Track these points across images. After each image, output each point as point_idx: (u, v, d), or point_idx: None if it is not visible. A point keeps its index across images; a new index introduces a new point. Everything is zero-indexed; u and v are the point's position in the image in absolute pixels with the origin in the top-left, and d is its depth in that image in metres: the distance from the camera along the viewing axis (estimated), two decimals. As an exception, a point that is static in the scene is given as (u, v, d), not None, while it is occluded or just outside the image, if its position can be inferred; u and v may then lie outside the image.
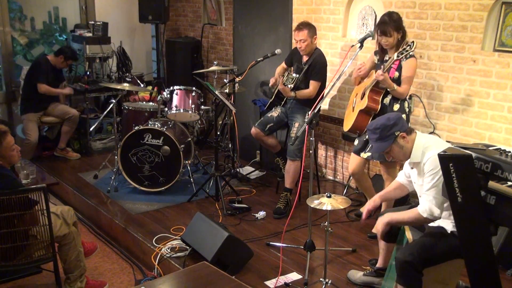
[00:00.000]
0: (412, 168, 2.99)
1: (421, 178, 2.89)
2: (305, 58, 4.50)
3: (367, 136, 3.91)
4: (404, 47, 3.59)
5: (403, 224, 2.95)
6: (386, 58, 3.88)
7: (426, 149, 2.84)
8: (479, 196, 2.30)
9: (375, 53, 4.00)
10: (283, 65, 4.74)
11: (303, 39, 4.35)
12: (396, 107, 3.83)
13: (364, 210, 3.18)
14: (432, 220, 2.83)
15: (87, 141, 6.14)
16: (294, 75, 4.46)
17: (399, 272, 2.74)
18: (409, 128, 2.92)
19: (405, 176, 3.12)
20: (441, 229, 2.87)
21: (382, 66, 3.75)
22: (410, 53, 3.62)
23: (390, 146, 2.88)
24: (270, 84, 4.66)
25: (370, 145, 3.86)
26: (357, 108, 3.93)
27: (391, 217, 2.94)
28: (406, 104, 3.86)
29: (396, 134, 2.85)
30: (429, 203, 2.78)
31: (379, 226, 2.97)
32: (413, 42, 3.58)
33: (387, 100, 3.83)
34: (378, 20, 3.93)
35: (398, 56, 3.60)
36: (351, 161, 4.09)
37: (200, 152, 5.81)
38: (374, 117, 3.80)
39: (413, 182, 3.03)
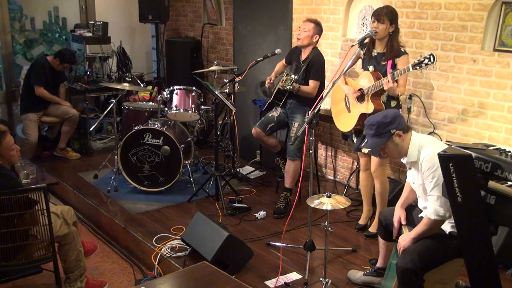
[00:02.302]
0: (410, 168, 2.99)
1: (419, 177, 2.89)
2: (303, 56, 4.50)
3: (364, 132, 3.93)
4: (423, 60, 3.34)
5: (426, 235, 2.83)
6: (375, 53, 3.85)
7: (422, 148, 2.84)
8: (479, 196, 2.30)
9: (362, 46, 3.85)
10: (283, 62, 4.75)
11: (306, 28, 4.38)
12: (393, 103, 3.83)
13: (396, 225, 3.06)
14: (444, 221, 2.80)
15: (87, 141, 6.14)
16: (293, 76, 4.45)
17: (400, 279, 2.74)
18: (406, 126, 2.92)
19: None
20: (440, 231, 2.86)
21: (388, 73, 3.62)
22: (427, 63, 3.34)
23: (385, 143, 2.89)
24: (266, 85, 4.67)
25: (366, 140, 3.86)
26: (357, 110, 3.89)
27: (414, 234, 2.85)
28: (400, 100, 3.87)
29: (392, 132, 2.86)
30: (433, 204, 2.75)
31: (404, 244, 2.85)
32: (432, 55, 3.29)
33: (383, 98, 3.82)
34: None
35: (415, 68, 3.40)
36: (361, 159, 4.10)
37: (200, 152, 5.81)
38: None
39: (411, 183, 3.04)
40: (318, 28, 4.43)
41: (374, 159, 3.89)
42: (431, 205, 2.77)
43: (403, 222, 3.04)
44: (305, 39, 4.41)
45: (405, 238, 2.87)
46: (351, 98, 3.96)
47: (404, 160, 3.00)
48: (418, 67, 3.39)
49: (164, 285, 2.55)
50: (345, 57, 3.91)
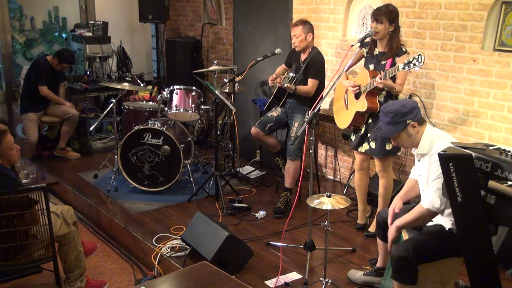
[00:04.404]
0: (419, 160, 2.99)
1: (426, 170, 2.89)
2: (302, 57, 4.51)
3: (362, 132, 3.93)
4: (411, 60, 3.37)
5: (413, 224, 2.90)
6: (376, 52, 3.85)
7: (434, 141, 2.85)
8: (479, 196, 2.30)
9: (365, 45, 3.92)
10: (283, 66, 4.76)
11: (296, 34, 4.40)
12: None
13: (390, 213, 3.06)
14: (435, 214, 2.81)
15: (87, 140, 6.14)
16: (291, 74, 4.49)
17: (394, 267, 2.75)
18: (422, 119, 2.91)
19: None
20: (439, 227, 2.86)
21: (381, 72, 3.64)
22: (415, 63, 3.36)
23: (399, 132, 2.89)
24: (269, 83, 4.68)
25: (370, 139, 3.86)
26: (353, 108, 3.90)
27: (400, 222, 2.90)
28: (399, 99, 3.87)
29: (408, 122, 2.86)
30: (431, 194, 2.75)
31: (390, 234, 2.92)
32: (420, 55, 3.31)
33: (381, 97, 3.82)
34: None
35: (404, 68, 3.42)
36: (356, 157, 4.10)
37: (200, 152, 5.81)
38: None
39: (418, 176, 3.03)
40: (307, 27, 4.42)
41: (378, 161, 3.89)
42: (429, 195, 2.77)
43: (397, 211, 3.05)
44: (301, 43, 4.42)
45: (390, 230, 2.91)
46: (350, 95, 3.96)
47: (414, 151, 3.00)
48: (407, 67, 3.40)
49: (164, 285, 2.55)
50: (345, 57, 3.91)
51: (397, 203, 3.09)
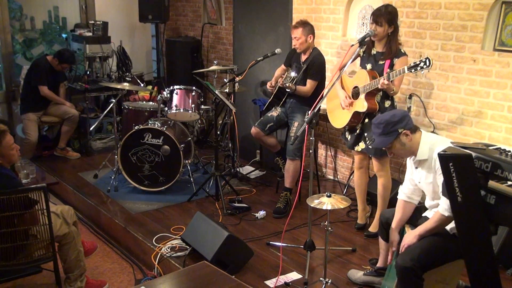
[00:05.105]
0: (416, 167, 2.98)
1: (430, 176, 2.88)
2: (303, 58, 4.51)
3: (358, 131, 3.93)
4: (419, 63, 3.35)
5: (434, 231, 2.83)
6: (374, 52, 3.84)
7: (434, 146, 2.84)
8: (479, 196, 2.29)
9: (362, 44, 3.84)
10: (283, 66, 4.75)
11: (297, 36, 4.40)
12: (388, 103, 3.83)
13: (392, 248, 3.08)
14: (452, 220, 2.78)
15: (87, 140, 6.14)
16: (293, 74, 4.49)
17: (399, 277, 2.74)
18: (414, 126, 2.92)
19: (409, 186, 3.07)
20: (443, 231, 2.85)
21: (384, 73, 3.64)
22: (422, 66, 3.34)
23: (392, 142, 2.90)
24: (268, 89, 4.67)
25: (366, 138, 3.85)
26: (352, 108, 3.90)
27: (420, 231, 2.84)
28: (396, 99, 3.87)
29: (399, 131, 2.86)
30: (448, 200, 2.74)
31: (408, 241, 2.85)
32: (428, 59, 3.30)
33: (378, 97, 3.82)
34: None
35: (410, 71, 3.40)
36: (355, 156, 4.10)
37: (200, 152, 5.81)
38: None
39: (418, 182, 3.02)
40: (307, 28, 4.41)
41: (375, 160, 3.89)
42: (445, 202, 2.71)
43: (394, 248, 3.05)
44: (302, 45, 4.42)
45: (410, 236, 2.87)
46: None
47: (412, 159, 2.99)
48: (413, 70, 3.39)
49: (164, 285, 2.55)
50: (344, 57, 3.90)
51: (394, 236, 3.05)
